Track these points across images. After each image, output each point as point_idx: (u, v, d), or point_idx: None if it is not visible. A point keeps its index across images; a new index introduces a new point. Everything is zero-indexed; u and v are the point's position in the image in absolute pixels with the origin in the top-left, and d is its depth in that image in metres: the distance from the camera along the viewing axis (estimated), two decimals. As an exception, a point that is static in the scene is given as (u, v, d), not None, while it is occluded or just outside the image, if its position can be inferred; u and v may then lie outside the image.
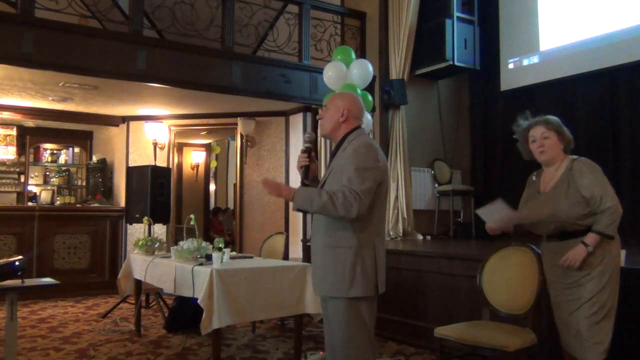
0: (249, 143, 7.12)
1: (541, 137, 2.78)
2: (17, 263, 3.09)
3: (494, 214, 2.84)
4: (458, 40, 6.33)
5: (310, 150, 2.60)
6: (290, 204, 2.50)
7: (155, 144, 7.19)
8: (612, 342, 2.67)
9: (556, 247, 2.75)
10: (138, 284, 4.77)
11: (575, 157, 2.80)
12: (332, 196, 2.30)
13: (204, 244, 3.94)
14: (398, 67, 6.23)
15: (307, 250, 5.75)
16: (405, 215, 6.10)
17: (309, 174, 2.59)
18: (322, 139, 5.73)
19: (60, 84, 5.59)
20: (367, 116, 5.50)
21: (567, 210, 2.65)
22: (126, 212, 5.98)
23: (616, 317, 2.69)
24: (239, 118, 6.99)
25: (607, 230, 2.61)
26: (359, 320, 2.38)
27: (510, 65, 6.60)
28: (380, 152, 2.48)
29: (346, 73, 5.47)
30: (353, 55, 5.61)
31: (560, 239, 2.73)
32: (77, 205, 7.60)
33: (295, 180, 2.69)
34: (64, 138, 8.24)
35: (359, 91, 5.39)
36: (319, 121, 2.62)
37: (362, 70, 5.47)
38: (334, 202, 2.29)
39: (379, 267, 2.42)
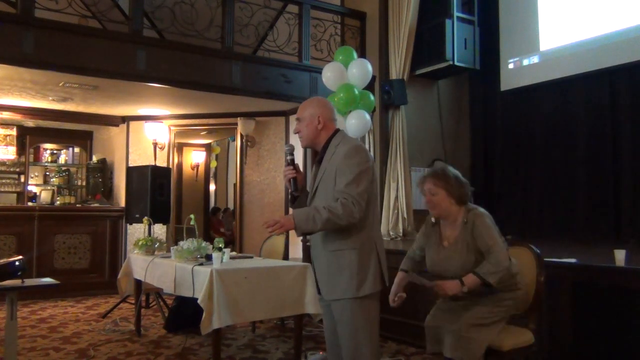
0: (249, 143, 7.12)
1: (429, 193, 2.76)
2: (17, 263, 3.09)
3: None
4: (458, 40, 6.32)
5: (294, 162, 2.60)
6: (291, 211, 2.48)
7: (155, 144, 7.19)
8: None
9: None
10: (138, 284, 4.77)
11: (471, 207, 2.75)
12: (331, 209, 2.32)
13: (204, 244, 3.93)
14: (398, 67, 6.23)
15: (307, 250, 5.74)
16: (405, 215, 6.09)
17: (297, 185, 2.59)
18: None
19: (60, 84, 5.59)
20: (366, 116, 5.50)
21: (471, 263, 2.65)
22: (126, 212, 5.98)
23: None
24: (239, 118, 6.99)
25: (487, 277, 2.56)
26: (366, 316, 2.42)
27: (510, 65, 6.60)
28: (368, 151, 2.54)
29: (345, 73, 5.47)
30: (355, 56, 5.61)
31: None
32: (77, 205, 7.60)
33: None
34: (64, 138, 8.25)
35: (356, 91, 5.39)
36: (298, 135, 2.60)
37: (361, 70, 5.47)
38: (336, 214, 2.31)
39: (382, 261, 2.47)
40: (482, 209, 2.75)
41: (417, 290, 4.40)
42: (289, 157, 2.60)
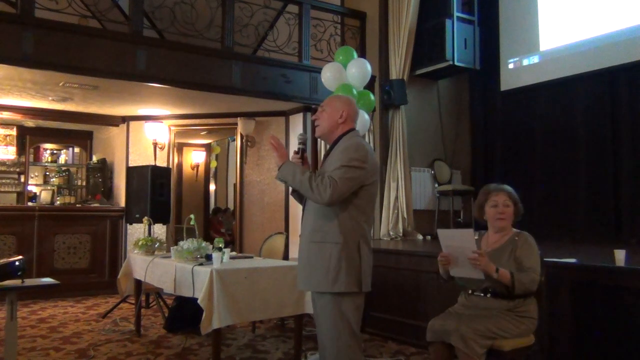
0: (249, 143, 7.11)
1: (503, 205, 2.89)
2: (17, 263, 3.09)
3: (454, 241, 2.78)
4: (458, 40, 6.34)
5: (304, 151, 2.62)
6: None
7: (155, 144, 7.19)
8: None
9: (478, 301, 2.81)
10: (138, 284, 4.77)
11: (518, 230, 2.92)
12: (312, 177, 2.38)
13: (204, 244, 3.93)
14: (398, 67, 6.23)
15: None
16: (405, 215, 6.09)
17: None
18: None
19: (60, 84, 5.59)
20: (365, 116, 5.49)
21: (505, 269, 2.69)
22: (126, 212, 5.98)
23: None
24: (239, 118, 6.99)
25: (517, 283, 2.63)
26: (343, 315, 2.42)
27: (510, 65, 6.60)
28: (370, 154, 2.52)
29: (344, 73, 5.47)
30: (355, 56, 5.61)
31: (486, 295, 2.79)
32: (77, 205, 7.60)
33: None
34: (64, 138, 8.25)
35: (354, 92, 5.38)
36: (315, 122, 2.64)
37: (359, 70, 5.47)
38: (311, 182, 2.36)
39: (364, 267, 2.45)
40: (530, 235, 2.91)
41: (419, 292, 4.42)
42: (299, 146, 2.62)
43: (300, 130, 6.54)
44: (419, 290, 4.41)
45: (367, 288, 2.48)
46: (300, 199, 2.65)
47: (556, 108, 6.27)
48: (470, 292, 2.88)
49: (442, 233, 2.83)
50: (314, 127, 2.69)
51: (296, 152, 2.61)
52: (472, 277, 2.71)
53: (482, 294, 2.81)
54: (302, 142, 2.63)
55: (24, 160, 7.95)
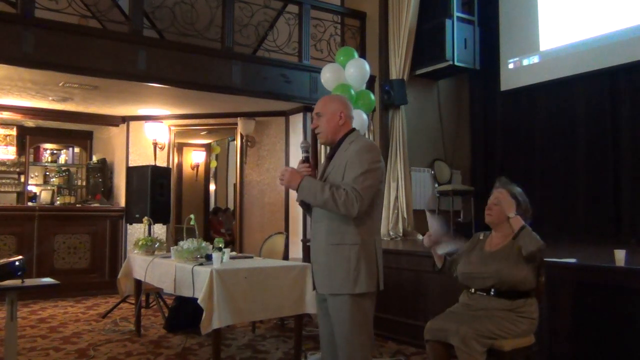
0: (249, 143, 7.12)
1: (492, 202, 2.92)
2: (17, 263, 3.09)
3: (434, 224, 2.98)
4: (458, 40, 6.33)
5: (309, 159, 2.58)
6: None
7: (155, 144, 7.19)
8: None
9: (481, 300, 2.82)
10: (138, 284, 4.77)
11: None
12: (335, 193, 2.34)
13: (204, 244, 3.93)
14: (398, 67, 6.23)
15: (307, 250, 5.75)
16: (405, 215, 6.09)
17: None
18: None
19: (60, 84, 5.59)
20: (363, 115, 5.49)
21: (510, 268, 2.73)
22: (126, 212, 5.98)
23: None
24: (239, 118, 6.99)
25: (531, 232, 2.70)
26: (362, 316, 2.42)
27: (510, 65, 6.60)
28: (380, 152, 2.53)
29: (344, 74, 5.46)
30: (356, 56, 5.60)
31: (489, 294, 2.80)
32: (77, 205, 7.60)
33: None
34: (64, 138, 8.26)
35: (352, 92, 5.38)
36: (315, 130, 2.59)
37: (358, 70, 5.46)
38: (336, 199, 2.33)
39: (379, 264, 2.47)
40: None
41: (419, 292, 4.42)
42: (304, 155, 2.57)
43: (299, 130, 6.54)
44: (419, 290, 4.41)
45: (382, 286, 2.49)
46: (308, 208, 2.60)
47: (556, 108, 6.27)
48: (473, 291, 2.88)
49: (429, 217, 3.01)
50: (314, 133, 2.66)
51: (303, 161, 2.55)
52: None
53: (485, 293, 2.82)
54: (306, 150, 2.58)
55: (24, 160, 7.95)
